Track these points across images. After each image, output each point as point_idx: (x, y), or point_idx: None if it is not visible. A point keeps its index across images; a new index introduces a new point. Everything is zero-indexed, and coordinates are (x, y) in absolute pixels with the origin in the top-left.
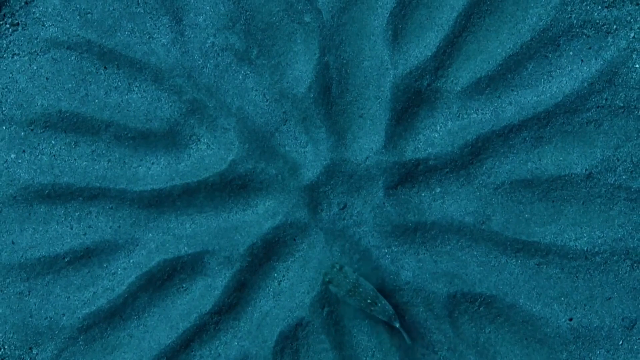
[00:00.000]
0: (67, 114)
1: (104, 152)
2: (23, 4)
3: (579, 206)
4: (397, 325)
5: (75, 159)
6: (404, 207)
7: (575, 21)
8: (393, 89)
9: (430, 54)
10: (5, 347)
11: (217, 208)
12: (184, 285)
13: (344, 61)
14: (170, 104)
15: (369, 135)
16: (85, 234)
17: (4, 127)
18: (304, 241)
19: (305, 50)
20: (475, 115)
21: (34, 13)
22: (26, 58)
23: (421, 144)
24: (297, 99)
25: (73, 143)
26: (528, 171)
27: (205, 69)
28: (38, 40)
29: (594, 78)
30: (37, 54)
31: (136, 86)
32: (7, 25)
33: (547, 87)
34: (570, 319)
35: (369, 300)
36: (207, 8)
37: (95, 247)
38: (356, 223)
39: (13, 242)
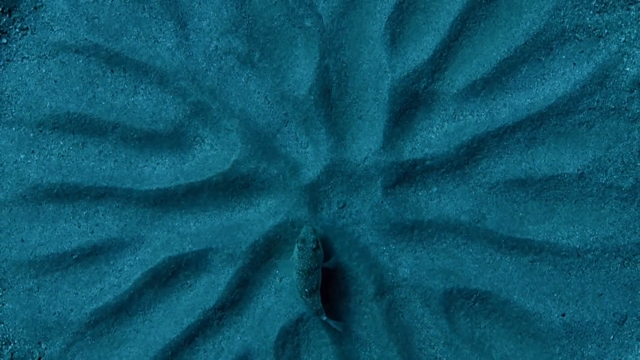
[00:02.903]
0: (75, 116)
1: (110, 152)
2: (32, 9)
3: (571, 205)
4: (324, 319)
5: (83, 159)
6: (402, 206)
7: (567, 25)
8: (391, 91)
9: (427, 57)
10: (15, 341)
11: (221, 207)
12: (188, 282)
13: (344, 64)
14: (174, 106)
15: (368, 136)
16: (92, 232)
17: (13, 129)
18: None
19: (306, 54)
20: (471, 116)
21: (42, 18)
22: (35, 61)
23: (418, 144)
24: (298, 101)
25: (81, 144)
26: (522, 171)
27: (208, 72)
28: (47, 44)
29: (586, 81)
30: (46, 58)
31: (142, 89)
32: (17, 30)
33: (541, 89)
34: (563, 315)
35: (307, 290)
36: (211, 13)
37: (102, 244)
38: (355, 221)
39: (22, 240)
